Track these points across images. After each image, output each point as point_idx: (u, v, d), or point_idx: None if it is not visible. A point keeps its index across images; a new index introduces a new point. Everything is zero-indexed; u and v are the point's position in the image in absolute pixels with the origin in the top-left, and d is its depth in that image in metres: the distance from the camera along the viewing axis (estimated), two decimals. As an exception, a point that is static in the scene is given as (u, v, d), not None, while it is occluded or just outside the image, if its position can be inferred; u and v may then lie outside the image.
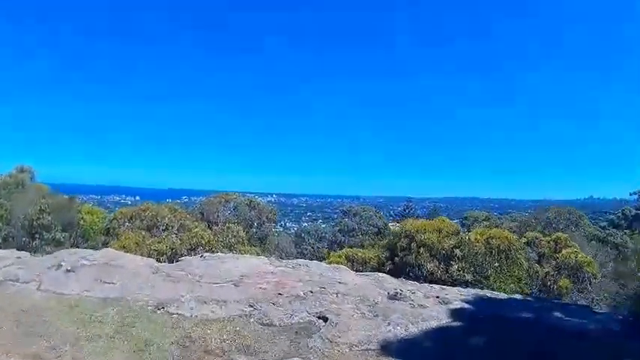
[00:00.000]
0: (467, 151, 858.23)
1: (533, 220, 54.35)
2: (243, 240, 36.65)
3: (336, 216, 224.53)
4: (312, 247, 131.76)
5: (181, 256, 31.65)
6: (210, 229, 55.84)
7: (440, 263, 30.16)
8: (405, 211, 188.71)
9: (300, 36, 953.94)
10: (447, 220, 35.99)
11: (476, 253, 30.20)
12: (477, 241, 30.74)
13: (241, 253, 33.74)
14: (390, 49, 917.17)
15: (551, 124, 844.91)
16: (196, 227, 48.51)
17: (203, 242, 33.24)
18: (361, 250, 39.55)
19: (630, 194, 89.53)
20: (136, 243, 33.78)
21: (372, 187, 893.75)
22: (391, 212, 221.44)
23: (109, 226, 43.33)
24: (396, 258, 31.91)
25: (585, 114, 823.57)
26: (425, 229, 31.71)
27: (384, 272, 26.03)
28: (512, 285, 29.26)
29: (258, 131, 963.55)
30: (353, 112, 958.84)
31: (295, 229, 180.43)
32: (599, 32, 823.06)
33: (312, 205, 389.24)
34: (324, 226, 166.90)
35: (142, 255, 31.44)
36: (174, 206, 54.83)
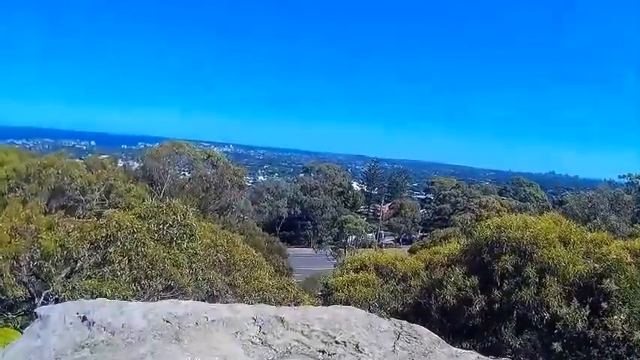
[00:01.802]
0: (429, 115, 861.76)
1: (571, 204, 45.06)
2: (192, 230, 23.86)
3: (293, 170, 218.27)
4: (271, 206, 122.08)
5: (73, 263, 20.05)
6: (152, 194, 44.15)
7: (582, 304, 17.93)
8: (370, 172, 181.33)
9: None
10: (562, 218, 23.76)
11: (636, 287, 17.88)
12: (629, 263, 18.41)
13: (188, 258, 22.37)
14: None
15: (514, 91, 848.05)
16: (130, 192, 37.09)
17: (122, 235, 20.61)
18: (402, 255, 29.15)
19: (619, 177, 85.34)
20: (13, 230, 21.43)
21: (331, 143, 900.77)
22: (349, 170, 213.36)
23: (2, 188, 31.67)
24: (496, 290, 19.58)
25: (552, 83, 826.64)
26: (546, 239, 19.66)
27: (473, 314, 18.44)
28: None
29: (217, 76, 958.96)
30: (315, 58, 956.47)
31: (251, 181, 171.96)
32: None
33: (270, 157, 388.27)
34: (280, 180, 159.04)
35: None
36: (103, 160, 43.25)
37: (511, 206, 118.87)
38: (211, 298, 25.77)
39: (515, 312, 18.58)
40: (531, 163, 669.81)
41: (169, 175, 48.08)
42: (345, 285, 25.63)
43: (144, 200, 37.67)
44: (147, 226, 21.74)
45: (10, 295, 20.96)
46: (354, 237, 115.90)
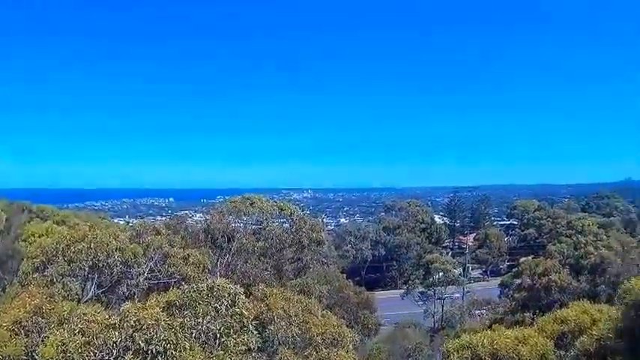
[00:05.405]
0: (503, 138, 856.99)
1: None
2: (243, 320, 18.98)
3: (374, 210, 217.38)
4: (354, 249, 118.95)
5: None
6: (216, 259, 40.42)
7: None
8: (451, 203, 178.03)
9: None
10: None
11: None
12: None
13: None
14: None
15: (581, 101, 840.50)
16: (187, 260, 32.81)
17: (141, 337, 15.82)
18: (523, 332, 23.66)
19: None
20: (17, 324, 17.23)
21: (408, 177, 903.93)
22: (429, 203, 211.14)
23: (26, 267, 27.79)
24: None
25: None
26: None
27: None
28: None
29: (286, 128, 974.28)
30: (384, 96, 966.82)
31: (333, 225, 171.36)
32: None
33: (349, 199, 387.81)
34: (361, 221, 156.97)
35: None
36: (156, 224, 39.24)
37: (598, 224, 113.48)
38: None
39: None
40: (608, 172, 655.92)
41: (237, 236, 43.47)
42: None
43: (204, 269, 33.46)
44: (181, 320, 16.94)
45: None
46: (441, 274, 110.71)
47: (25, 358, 17.06)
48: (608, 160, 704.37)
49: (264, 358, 20.67)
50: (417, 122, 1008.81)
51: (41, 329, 17.81)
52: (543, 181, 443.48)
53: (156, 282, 31.19)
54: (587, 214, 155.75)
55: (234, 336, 17.96)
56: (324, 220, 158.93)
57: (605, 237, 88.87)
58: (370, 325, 60.25)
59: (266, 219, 48.62)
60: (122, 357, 15.54)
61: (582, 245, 79.52)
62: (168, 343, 15.81)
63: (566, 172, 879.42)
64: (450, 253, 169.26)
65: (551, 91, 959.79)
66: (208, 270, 34.76)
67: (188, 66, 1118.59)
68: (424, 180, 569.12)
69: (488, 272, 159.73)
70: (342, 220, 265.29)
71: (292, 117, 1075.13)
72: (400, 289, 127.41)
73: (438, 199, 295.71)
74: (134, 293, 29.52)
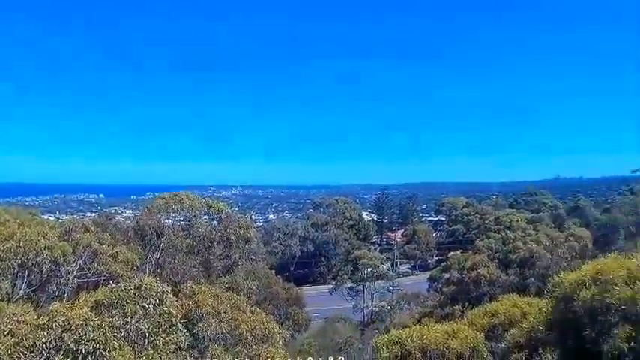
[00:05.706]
0: (434, 135, 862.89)
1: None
2: (171, 318, 19.00)
3: (302, 206, 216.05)
4: (283, 245, 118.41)
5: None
6: (145, 257, 40.09)
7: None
8: (379, 201, 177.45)
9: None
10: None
11: None
12: None
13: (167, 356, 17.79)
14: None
15: (516, 101, 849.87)
16: (117, 258, 32.73)
17: (70, 337, 15.79)
18: (453, 326, 23.70)
19: (632, 171, 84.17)
20: None
21: (337, 175, 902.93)
22: (358, 201, 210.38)
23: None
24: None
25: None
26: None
27: None
28: None
29: (219, 124, 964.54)
30: (315, 94, 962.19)
31: (262, 221, 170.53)
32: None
33: (278, 195, 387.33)
34: (290, 218, 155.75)
35: None
36: (85, 222, 38.79)
37: (527, 220, 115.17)
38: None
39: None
40: (538, 170, 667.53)
41: (166, 233, 43.18)
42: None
43: (133, 266, 33.42)
44: (109, 319, 16.92)
45: None
46: (369, 269, 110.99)
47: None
48: (538, 159, 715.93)
49: (195, 355, 20.72)
50: (346, 121, 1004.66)
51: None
52: (474, 179, 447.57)
53: (85, 280, 31.18)
54: (515, 210, 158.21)
55: (163, 335, 18.00)
56: (253, 216, 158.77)
57: (533, 232, 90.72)
58: (300, 321, 60.66)
59: (195, 216, 48.59)
60: (52, 358, 15.50)
61: (511, 240, 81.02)
62: (98, 343, 15.82)
63: (498, 171, 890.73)
64: (378, 249, 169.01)
65: (484, 89, 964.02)
66: (137, 267, 34.79)
67: (121, 62, 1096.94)
68: (353, 178, 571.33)
69: (417, 267, 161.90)
70: (271, 216, 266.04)
71: (221, 117, 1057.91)
72: (329, 284, 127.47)
73: (366, 197, 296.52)
74: (64, 292, 29.46)
